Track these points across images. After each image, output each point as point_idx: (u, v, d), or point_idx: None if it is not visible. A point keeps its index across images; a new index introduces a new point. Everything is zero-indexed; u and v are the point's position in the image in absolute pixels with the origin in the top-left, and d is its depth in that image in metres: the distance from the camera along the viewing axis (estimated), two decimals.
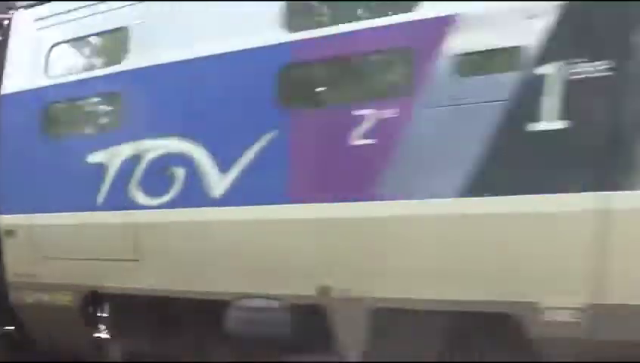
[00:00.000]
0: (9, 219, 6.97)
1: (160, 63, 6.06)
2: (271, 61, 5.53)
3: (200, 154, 5.73)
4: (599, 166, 4.42)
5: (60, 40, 6.96)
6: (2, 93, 7.19)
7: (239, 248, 5.61)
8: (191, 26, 6.02)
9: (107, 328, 6.74)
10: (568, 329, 4.50)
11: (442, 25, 4.90)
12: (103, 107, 6.97)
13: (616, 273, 4.33)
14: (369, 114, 5.07)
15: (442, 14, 4.92)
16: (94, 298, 6.54)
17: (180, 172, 5.79)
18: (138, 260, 6.13)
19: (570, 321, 4.52)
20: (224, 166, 5.63)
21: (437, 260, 4.84)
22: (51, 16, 7.08)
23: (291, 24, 5.50)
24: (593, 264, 4.40)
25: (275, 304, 5.52)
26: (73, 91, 6.78)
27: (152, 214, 5.98)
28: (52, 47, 6.92)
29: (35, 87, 6.93)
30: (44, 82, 6.88)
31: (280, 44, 5.49)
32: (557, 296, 4.55)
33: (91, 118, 7.15)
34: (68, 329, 6.70)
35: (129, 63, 6.33)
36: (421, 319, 5.01)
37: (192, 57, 5.90)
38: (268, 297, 5.54)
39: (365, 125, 5.07)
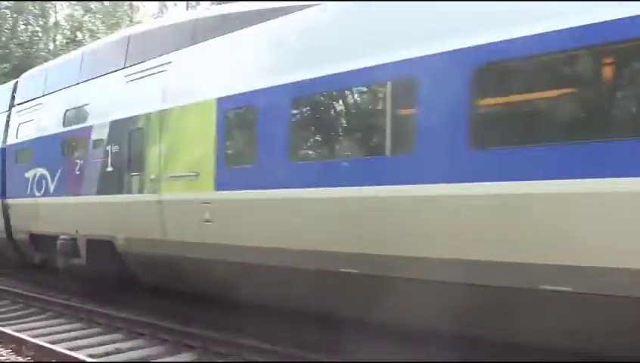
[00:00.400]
0: (9, 201, 15.29)
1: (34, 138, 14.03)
2: (60, 139, 13.19)
3: (48, 176, 13.39)
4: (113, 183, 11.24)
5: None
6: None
7: (58, 213, 13.22)
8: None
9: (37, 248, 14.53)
10: (123, 247, 11.24)
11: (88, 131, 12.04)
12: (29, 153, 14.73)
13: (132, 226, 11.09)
14: (78, 163, 12.37)
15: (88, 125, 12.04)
16: (32, 235, 14.43)
17: (43, 182, 13.49)
18: (39, 219, 13.93)
19: (123, 244, 11.21)
20: (52, 180, 13.24)
21: (110, 220, 11.73)
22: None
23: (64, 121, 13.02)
24: (123, 220, 11.23)
25: (69, 237, 12.82)
26: (23, 147, 14.89)
27: (40, 199, 13.85)
28: (19, 126, 15.15)
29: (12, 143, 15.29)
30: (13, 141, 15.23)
31: (63, 132, 13.05)
32: (119, 234, 11.31)
33: (25, 157, 14.95)
34: (25, 247, 14.74)
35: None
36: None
37: (42, 135, 13.75)
38: (67, 234, 12.87)
39: (77, 166, 12.39)
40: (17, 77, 36.10)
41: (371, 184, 7.00)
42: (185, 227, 9.70)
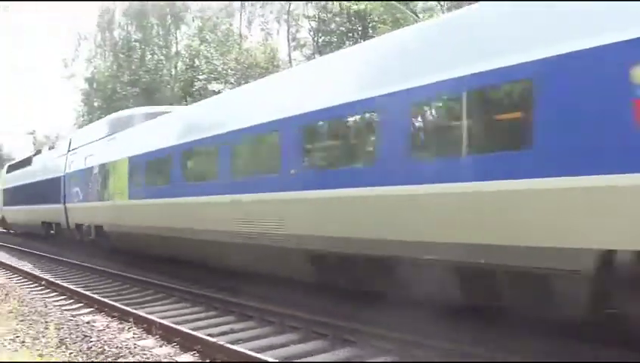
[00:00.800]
0: (67, 205, 21.34)
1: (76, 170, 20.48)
2: (83, 171, 19.80)
3: (79, 191, 19.39)
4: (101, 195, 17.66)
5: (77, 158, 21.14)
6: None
7: (84, 212, 19.64)
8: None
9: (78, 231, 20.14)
10: (107, 229, 17.74)
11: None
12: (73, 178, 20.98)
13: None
14: (89, 184, 18.64)
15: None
16: (76, 224, 20.25)
17: (79, 194, 19.55)
18: (78, 215, 19.98)
19: (107, 228, 17.79)
20: (82, 193, 19.19)
21: (101, 214, 17.82)
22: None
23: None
24: (105, 215, 17.70)
25: (87, 225, 18.96)
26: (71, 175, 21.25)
27: (77, 204, 20.09)
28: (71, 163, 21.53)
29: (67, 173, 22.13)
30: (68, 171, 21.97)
31: (83, 168, 19.46)
32: (105, 222, 17.81)
33: (72, 180, 21.18)
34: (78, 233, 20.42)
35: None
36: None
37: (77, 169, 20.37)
38: (87, 223, 19.13)
39: (89, 186, 18.83)
40: (146, 99, 38.74)
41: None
42: (122, 217, 16.44)
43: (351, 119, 8.47)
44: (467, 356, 6.57)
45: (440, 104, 7.42)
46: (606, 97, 5.45)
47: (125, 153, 16.12)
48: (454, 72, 6.83)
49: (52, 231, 23.72)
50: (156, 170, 14.55)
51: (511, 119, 6.55)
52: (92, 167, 18.54)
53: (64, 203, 21.21)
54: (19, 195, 28.45)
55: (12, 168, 33.02)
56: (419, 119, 7.62)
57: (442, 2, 27.36)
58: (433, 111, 7.58)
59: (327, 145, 9.17)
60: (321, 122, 8.93)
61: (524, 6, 6.50)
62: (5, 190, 32.73)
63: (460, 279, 6.90)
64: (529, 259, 6.01)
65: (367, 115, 8.13)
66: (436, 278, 7.12)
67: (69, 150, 22.07)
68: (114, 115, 20.37)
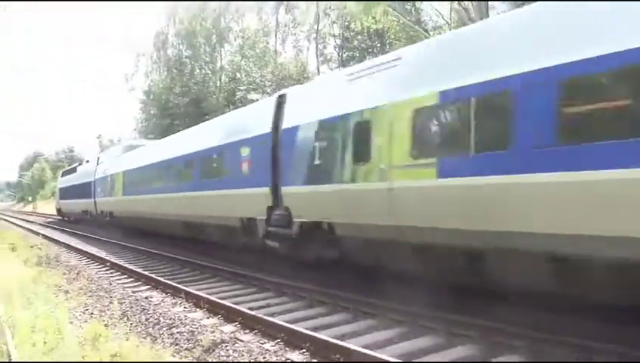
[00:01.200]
0: (96, 199, 27.11)
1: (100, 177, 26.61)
2: (103, 179, 24.98)
3: (100, 191, 25.09)
4: (110, 192, 24.06)
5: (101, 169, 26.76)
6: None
7: (102, 203, 25.39)
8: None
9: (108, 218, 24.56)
10: (116, 214, 22.87)
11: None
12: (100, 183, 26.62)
13: None
14: (105, 186, 23.49)
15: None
16: (101, 210, 25.52)
17: (101, 192, 24.38)
18: (100, 205, 25.90)
19: (116, 213, 23.65)
20: (102, 192, 24.87)
21: (112, 204, 23.21)
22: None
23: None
24: (113, 204, 23.78)
25: (106, 211, 24.33)
26: (98, 180, 26.69)
27: (100, 198, 26.05)
28: (98, 172, 27.56)
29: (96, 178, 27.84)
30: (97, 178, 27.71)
31: (103, 176, 25.18)
32: (114, 209, 23.77)
33: (99, 184, 26.68)
34: (102, 217, 25.63)
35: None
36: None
37: (100, 177, 26.51)
38: (105, 210, 24.89)
39: (103, 187, 24.19)
40: (195, 108, 39.06)
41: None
42: (120, 206, 21.93)
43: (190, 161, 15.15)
44: (473, 328, 6.55)
45: (215, 156, 13.57)
46: (258, 159, 11.16)
47: (122, 168, 22.40)
48: (222, 142, 13.14)
49: (88, 216, 30.09)
50: (132, 179, 20.67)
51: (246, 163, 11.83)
52: (107, 175, 24.48)
53: (94, 198, 27.23)
54: (69, 192, 36.16)
55: (65, 173, 42.07)
56: (207, 162, 13.96)
57: (450, 21, 27.07)
58: (218, 158, 13.45)
59: (187, 173, 15.44)
60: (189, 161, 15.23)
61: (242, 119, 13.11)
62: (61, 189, 41.31)
63: (222, 231, 13.01)
64: (230, 221, 12.16)
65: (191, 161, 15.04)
66: (217, 231, 13.38)
67: (97, 164, 28.64)
68: (123, 143, 28.75)
